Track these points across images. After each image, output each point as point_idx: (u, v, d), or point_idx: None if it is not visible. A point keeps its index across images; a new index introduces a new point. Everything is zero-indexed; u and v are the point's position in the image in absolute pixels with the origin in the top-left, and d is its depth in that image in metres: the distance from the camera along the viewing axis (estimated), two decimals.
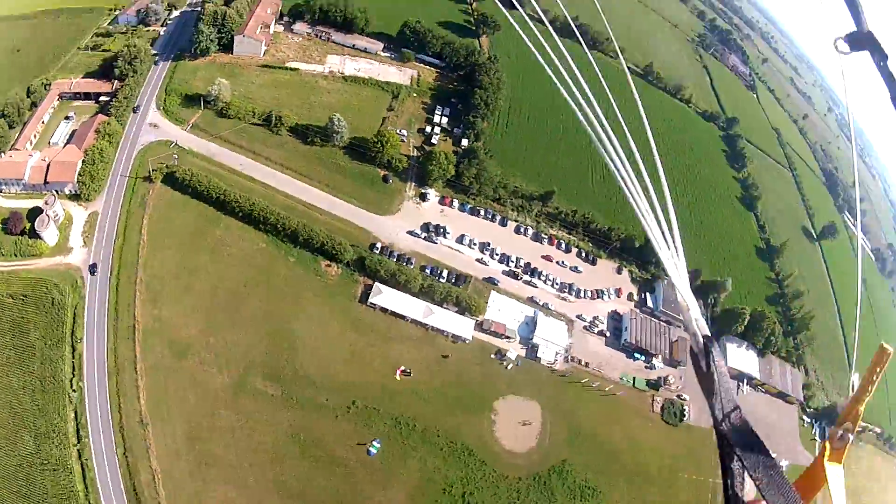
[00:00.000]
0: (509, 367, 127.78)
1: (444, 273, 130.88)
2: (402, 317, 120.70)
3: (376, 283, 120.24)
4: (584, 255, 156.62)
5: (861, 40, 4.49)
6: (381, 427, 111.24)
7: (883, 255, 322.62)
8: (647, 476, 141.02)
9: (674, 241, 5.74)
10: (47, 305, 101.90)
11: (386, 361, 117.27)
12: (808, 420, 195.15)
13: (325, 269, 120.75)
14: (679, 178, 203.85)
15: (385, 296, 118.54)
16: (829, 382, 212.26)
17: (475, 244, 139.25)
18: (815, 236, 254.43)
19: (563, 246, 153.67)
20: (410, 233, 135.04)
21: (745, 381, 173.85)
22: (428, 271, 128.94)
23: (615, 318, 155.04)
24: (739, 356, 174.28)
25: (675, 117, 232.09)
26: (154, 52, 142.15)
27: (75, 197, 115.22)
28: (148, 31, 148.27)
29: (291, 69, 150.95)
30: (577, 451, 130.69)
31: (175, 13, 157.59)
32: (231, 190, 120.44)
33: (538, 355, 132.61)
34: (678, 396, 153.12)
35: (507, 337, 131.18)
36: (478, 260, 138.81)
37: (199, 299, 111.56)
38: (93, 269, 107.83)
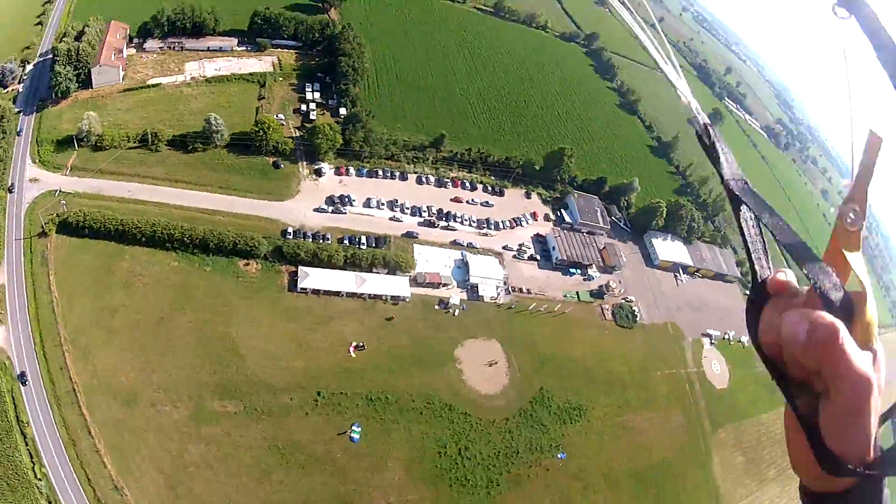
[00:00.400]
0: (456, 314, 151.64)
1: (363, 239, 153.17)
2: (336, 293, 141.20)
3: (300, 268, 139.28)
4: (490, 189, 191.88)
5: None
6: (355, 410, 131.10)
7: (774, 130, 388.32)
8: (621, 382, 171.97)
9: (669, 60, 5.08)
10: None
11: (335, 342, 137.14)
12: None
13: (244, 269, 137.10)
14: (558, 97, 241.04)
15: (313, 277, 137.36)
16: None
17: (383, 204, 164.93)
18: None
19: (467, 185, 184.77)
20: (317, 210, 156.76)
21: (681, 270, 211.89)
22: (346, 241, 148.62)
23: (540, 240, 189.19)
24: (668, 248, 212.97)
25: (536, 44, 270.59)
26: (17, 109, 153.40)
27: None
28: (7, 91, 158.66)
29: (153, 86, 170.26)
30: (550, 377, 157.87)
31: (29, 67, 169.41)
32: (127, 218, 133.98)
33: (480, 294, 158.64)
34: (624, 300, 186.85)
35: (444, 285, 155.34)
36: (391, 219, 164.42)
37: (127, 339, 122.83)
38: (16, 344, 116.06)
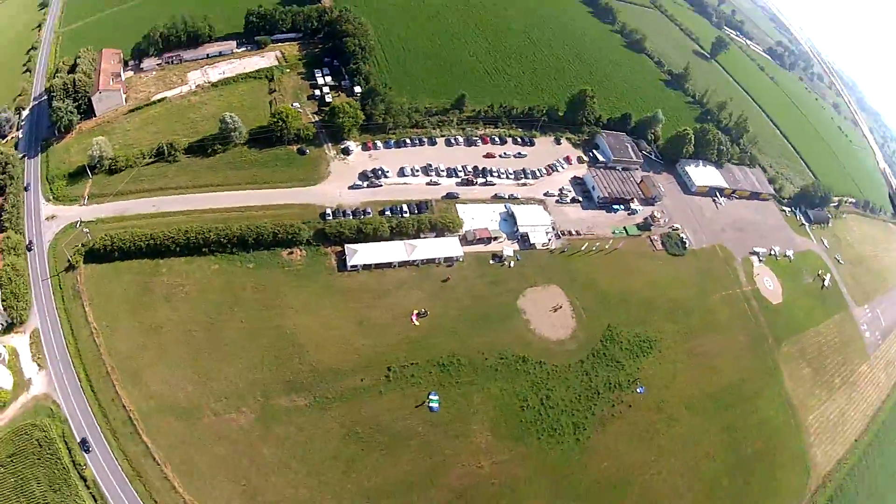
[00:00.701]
0: (511, 265, 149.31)
1: (404, 208, 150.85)
2: (388, 265, 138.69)
3: (347, 246, 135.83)
4: (519, 140, 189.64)
5: None
6: (428, 379, 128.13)
7: (777, 51, 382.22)
8: (683, 309, 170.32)
9: None
10: (38, 452, 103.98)
11: (396, 314, 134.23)
12: (789, 209, 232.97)
13: (288, 259, 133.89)
14: (565, 46, 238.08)
15: (361, 253, 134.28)
16: (787, 171, 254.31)
17: (418, 171, 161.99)
18: (708, 55, 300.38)
19: (497, 140, 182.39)
20: (352, 187, 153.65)
21: (718, 194, 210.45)
22: (388, 213, 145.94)
23: (578, 182, 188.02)
24: (702, 174, 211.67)
25: (535, 1, 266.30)
26: (21, 153, 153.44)
27: (9, 327, 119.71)
28: (6, 141, 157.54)
29: (159, 101, 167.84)
30: (614, 313, 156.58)
31: (25, 112, 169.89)
32: (157, 232, 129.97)
33: (531, 242, 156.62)
34: (671, 228, 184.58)
35: (494, 238, 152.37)
36: (428, 183, 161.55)
37: (177, 353, 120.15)
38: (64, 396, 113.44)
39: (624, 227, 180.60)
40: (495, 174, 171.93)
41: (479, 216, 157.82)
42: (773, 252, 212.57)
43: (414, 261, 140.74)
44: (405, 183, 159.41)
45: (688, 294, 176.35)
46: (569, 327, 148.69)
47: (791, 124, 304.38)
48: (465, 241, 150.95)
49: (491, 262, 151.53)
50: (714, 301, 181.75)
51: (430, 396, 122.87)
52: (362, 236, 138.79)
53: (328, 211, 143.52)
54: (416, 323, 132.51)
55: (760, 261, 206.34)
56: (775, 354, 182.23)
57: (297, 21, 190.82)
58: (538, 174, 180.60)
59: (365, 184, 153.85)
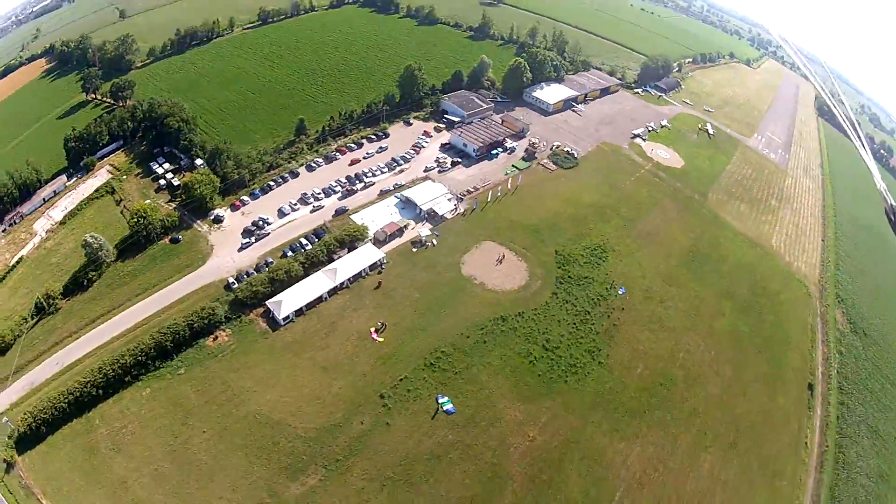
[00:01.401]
0: (435, 243, 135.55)
1: (303, 241, 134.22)
2: (318, 300, 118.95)
3: (268, 303, 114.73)
4: (374, 137, 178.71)
5: None
6: (426, 385, 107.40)
7: None
8: (608, 206, 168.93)
9: None
10: None
11: (355, 342, 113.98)
12: (640, 89, 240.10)
13: (217, 345, 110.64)
14: (374, 47, 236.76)
15: (287, 302, 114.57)
16: (621, 62, 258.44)
17: (296, 205, 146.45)
18: (495, 2, 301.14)
19: (353, 146, 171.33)
20: (242, 248, 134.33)
21: (574, 103, 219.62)
22: (290, 252, 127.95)
23: (449, 147, 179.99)
24: (551, 93, 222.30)
25: (315, 23, 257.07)
26: None
27: None
28: None
29: (17, 263, 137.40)
30: (553, 239, 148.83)
31: None
32: (72, 386, 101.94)
33: (441, 215, 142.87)
34: (553, 148, 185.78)
35: (405, 227, 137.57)
36: (312, 211, 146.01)
37: (156, 499, 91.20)
38: None
39: (512, 165, 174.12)
40: (369, 174, 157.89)
41: (377, 216, 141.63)
42: (650, 128, 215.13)
43: (342, 283, 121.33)
44: (290, 220, 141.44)
45: (603, 193, 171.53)
46: (522, 270, 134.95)
47: (604, 26, 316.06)
48: (379, 242, 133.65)
49: (414, 249, 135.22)
50: (629, 188, 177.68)
51: (439, 400, 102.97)
52: (278, 286, 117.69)
53: (230, 280, 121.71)
54: (380, 339, 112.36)
55: (644, 139, 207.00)
56: (709, 206, 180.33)
57: (113, 129, 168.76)
58: (408, 157, 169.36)
59: (252, 239, 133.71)
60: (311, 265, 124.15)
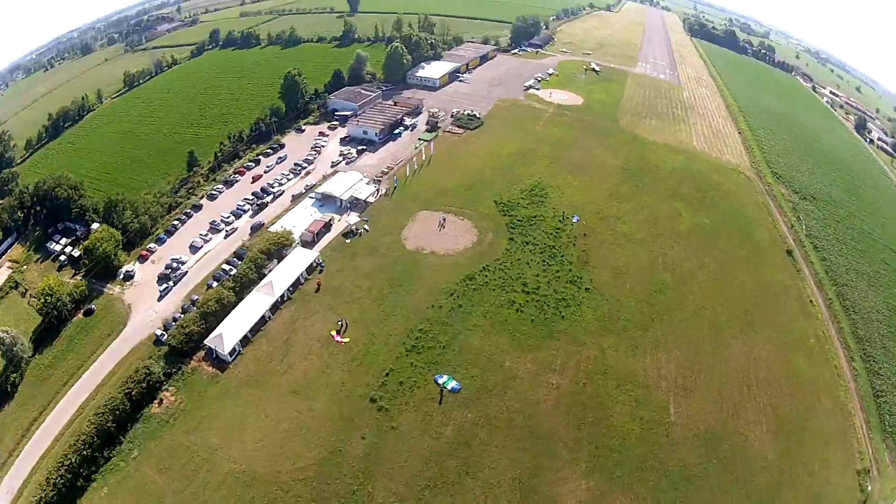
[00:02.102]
0: (368, 228, 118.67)
1: (226, 268, 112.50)
2: (262, 321, 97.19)
3: (207, 342, 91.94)
4: (270, 151, 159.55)
5: None
6: (417, 371, 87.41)
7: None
8: (528, 152, 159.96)
9: None
10: None
11: (318, 352, 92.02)
12: (518, 49, 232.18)
13: (164, 409, 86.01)
14: (244, 79, 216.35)
15: (227, 335, 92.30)
16: (491, 33, 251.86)
17: (207, 236, 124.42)
18: (351, 12, 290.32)
19: (252, 164, 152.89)
20: (162, 296, 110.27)
21: (458, 72, 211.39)
22: (215, 282, 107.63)
23: (350, 140, 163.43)
24: (434, 69, 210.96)
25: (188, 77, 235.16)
26: None
27: None
28: None
29: None
30: (488, 193, 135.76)
31: None
32: None
33: (364, 200, 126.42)
34: (453, 115, 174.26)
35: (330, 222, 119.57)
36: (226, 236, 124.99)
37: None
38: None
39: (419, 139, 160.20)
40: (276, 185, 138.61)
41: (298, 220, 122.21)
42: (539, 78, 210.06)
43: (282, 296, 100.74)
44: (206, 252, 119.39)
45: (520, 141, 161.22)
46: (469, 228, 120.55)
47: (465, 7, 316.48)
48: (308, 244, 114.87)
49: (347, 240, 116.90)
50: (541, 131, 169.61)
51: (439, 381, 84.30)
52: (212, 320, 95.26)
53: (158, 333, 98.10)
54: (345, 339, 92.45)
55: (537, 89, 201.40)
56: (623, 129, 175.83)
57: (4, 222, 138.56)
58: (311, 159, 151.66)
59: (170, 283, 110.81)
60: (243, 287, 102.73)
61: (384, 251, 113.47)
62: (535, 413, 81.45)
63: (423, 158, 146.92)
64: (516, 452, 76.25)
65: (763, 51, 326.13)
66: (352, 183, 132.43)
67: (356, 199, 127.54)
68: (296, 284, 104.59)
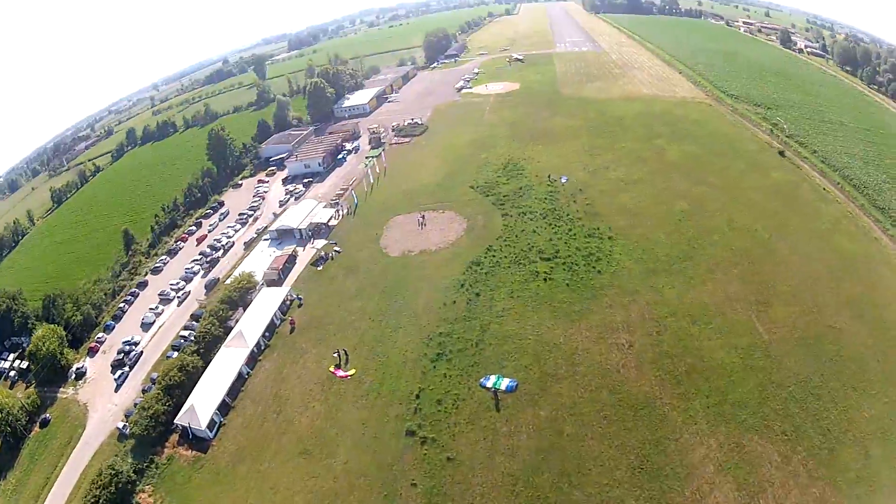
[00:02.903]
0: (340, 250, 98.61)
1: (184, 334, 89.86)
2: (240, 380, 74.11)
3: (177, 421, 67.94)
4: (210, 211, 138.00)
5: None
6: (452, 386, 64.56)
7: None
8: (485, 139, 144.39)
9: None
10: None
11: (321, 397, 68.36)
12: (435, 64, 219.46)
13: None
14: (175, 158, 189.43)
15: (200, 408, 68.36)
16: (405, 55, 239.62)
17: (159, 308, 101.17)
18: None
19: (194, 228, 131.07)
20: (119, 386, 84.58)
21: (384, 95, 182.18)
22: (175, 353, 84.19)
23: (294, 178, 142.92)
24: (360, 97, 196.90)
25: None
26: None
27: None
28: None
29: None
30: (459, 181, 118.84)
31: None
32: None
33: (328, 224, 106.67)
34: (395, 128, 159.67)
35: (295, 253, 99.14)
36: (180, 303, 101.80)
37: None
38: None
39: (366, 158, 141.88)
40: (225, 239, 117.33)
41: (257, 263, 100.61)
42: (468, 79, 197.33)
43: (258, 345, 78.17)
44: (160, 327, 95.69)
45: (471, 132, 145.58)
46: (454, 218, 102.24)
47: (373, 45, 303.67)
48: (275, 283, 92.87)
49: (319, 268, 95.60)
50: (490, 118, 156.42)
51: (487, 385, 62.02)
52: (179, 393, 71.61)
53: (120, 426, 73.22)
54: (350, 372, 70.10)
55: (470, 87, 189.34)
56: (569, 96, 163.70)
57: None
58: (256, 205, 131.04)
59: (126, 369, 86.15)
60: (208, 347, 79.73)
61: (366, 266, 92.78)
62: (621, 382, 61.10)
63: (378, 171, 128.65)
64: (620, 436, 55.36)
65: (666, 6, 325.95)
66: (308, 210, 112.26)
67: (317, 224, 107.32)
68: (272, 328, 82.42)
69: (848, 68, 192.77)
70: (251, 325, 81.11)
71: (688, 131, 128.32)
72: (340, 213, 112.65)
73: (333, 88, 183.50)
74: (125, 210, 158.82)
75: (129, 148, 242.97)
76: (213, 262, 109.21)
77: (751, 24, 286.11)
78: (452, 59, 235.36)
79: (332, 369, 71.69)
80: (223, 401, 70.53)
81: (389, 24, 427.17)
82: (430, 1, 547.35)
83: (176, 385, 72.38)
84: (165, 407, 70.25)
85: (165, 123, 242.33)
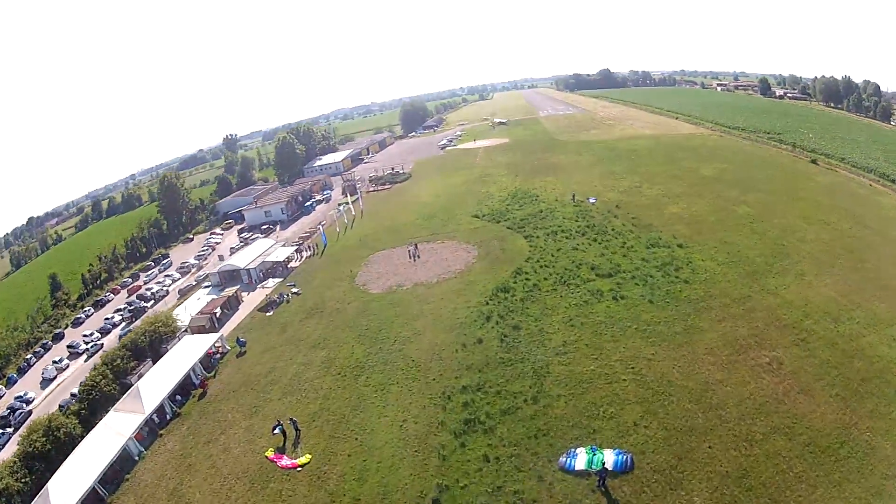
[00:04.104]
0: (299, 292, 65.02)
1: (75, 391, 53.82)
2: (127, 459, 39.72)
3: None
4: (153, 263, 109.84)
5: None
6: (510, 477, 30.67)
7: None
8: (476, 184, 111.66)
9: None
10: None
11: (267, 475, 34.49)
12: (415, 133, 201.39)
13: None
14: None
15: (59, 492, 35.03)
16: (378, 127, 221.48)
17: (63, 362, 69.36)
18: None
19: (129, 282, 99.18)
20: None
21: (361, 156, 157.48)
22: None
23: (249, 228, 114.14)
24: (331, 159, 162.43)
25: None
26: None
27: None
28: None
29: None
30: (460, 214, 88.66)
31: None
32: None
33: (285, 263, 75.05)
34: (383, 175, 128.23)
35: (238, 296, 67.02)
36: (90, 356, 69.65)
37: None
38: None
39: (338, 205, 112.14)
40: (157, 287, 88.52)
41: (189, 310, 68.25)
42: (451, 139, 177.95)
43: (162, 413, 45.18)
44: (60, 383, 64.62)
45: (464, 174, 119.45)
46: (459, 248, 72.86)
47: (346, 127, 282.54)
48: (203, 330, 60.36)
49: (269, 313, 63.51)
50: (481, 164, 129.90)
51: (576, 466, 30.69)
52: (43, 470, 39.86)
53: None
54: (302, 460, 35.79)
55: (454, 144, 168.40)
56: (567, 141, 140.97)
57: None
58: (204, 254, 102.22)
59: (10, 430, 54.41)
60: (93, 409, 47.30)
61: (336, 307, 61.44)
62: (794, 417, 32.03)
63: (354, 214, 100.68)
64: (832, 499, 23.76)
65: (639, 78, 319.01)
66: (262, 250, 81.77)
67: (272, 264, 76.48)
68: (188, 389, 49.23)
69: (832, 104, 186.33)
70: (156, 382, 48.39)
71: (711, 153, 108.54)
72: (304, 253, 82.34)
73: (304, 146, 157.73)
74: (64, 262, 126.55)
75: (95, 220, 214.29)
76: (139, 313, 77.82)
77: (724, 84, 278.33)
78: (431, 129, 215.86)
79: (270, 454, 38.37)
80: (92, 491, 36.69)
81: (363, 116, 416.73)
82: (403, 96, 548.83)
83: (40, 455, 39.71)
84: (20, 484, 38.75)
85: (131, 196, 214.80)
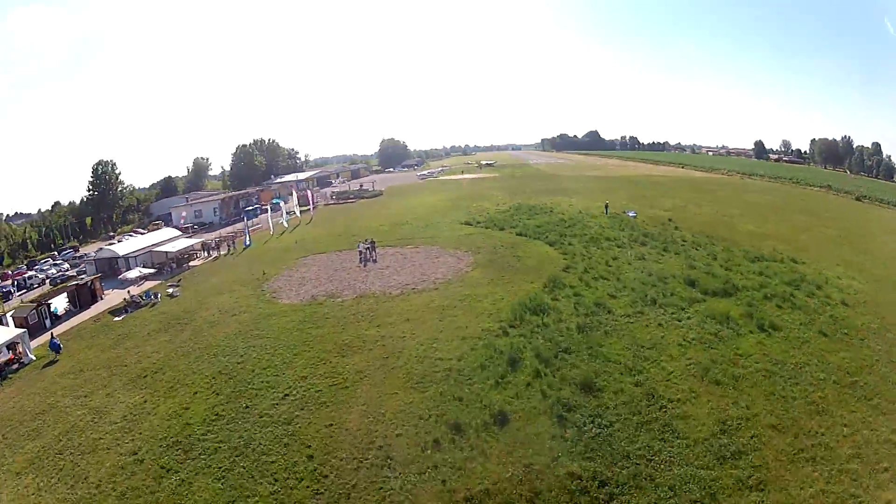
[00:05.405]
0: (175, 294, 38.36)
1: None
2: None
3: None
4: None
5: None
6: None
7: None
8: (482, 198, 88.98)
9: None
10: None
11: None
12: (399, 168, 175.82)
13: None
14: None
15: None
16: (354, 167, 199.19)
17: None
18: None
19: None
20: None
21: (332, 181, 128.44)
22: None
23: (188, 225, 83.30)
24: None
25: None
26: None
27: None
28: None
29: None
30: (449, 219, 62.51)
31: None
32: None
33: (179, 255, 48.43)
34: (339, 190, 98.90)
35: (94, 289, 38.28)
36: None
37: None
38: None
39: (287, 213, 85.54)
40: (33, 274, 60.11)
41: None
42: (433, 172, 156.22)
43: None
44: None
45: (451, 192, 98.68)
46: (442, 254, 47.62)
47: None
48: (24, 326, 32.54)
49: (118, 318, 36.56)
50: (468, 187, 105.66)
51: None
52: None
53: None
54: None
55: (435, 176, 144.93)
56: (569, 176, 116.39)
57: None
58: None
59: None
60: None
61: (212, 318, 35.62)
62: None
63: (300, 221, 75.12)
64: None
65: (627, 142, 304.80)
66: (158, 239, 55.91)
67: (164, 255, 49.94)
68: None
69: (830, 166, 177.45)
70: None
71: (744, 187, 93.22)
72: (216, 252, 55.72)
73: (265, 159, 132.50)
74: None
75: None
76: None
77: (715, 150, 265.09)
78: (412, 168, 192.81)
79: None
80: None
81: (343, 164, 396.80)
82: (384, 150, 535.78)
83: None
84: None
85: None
